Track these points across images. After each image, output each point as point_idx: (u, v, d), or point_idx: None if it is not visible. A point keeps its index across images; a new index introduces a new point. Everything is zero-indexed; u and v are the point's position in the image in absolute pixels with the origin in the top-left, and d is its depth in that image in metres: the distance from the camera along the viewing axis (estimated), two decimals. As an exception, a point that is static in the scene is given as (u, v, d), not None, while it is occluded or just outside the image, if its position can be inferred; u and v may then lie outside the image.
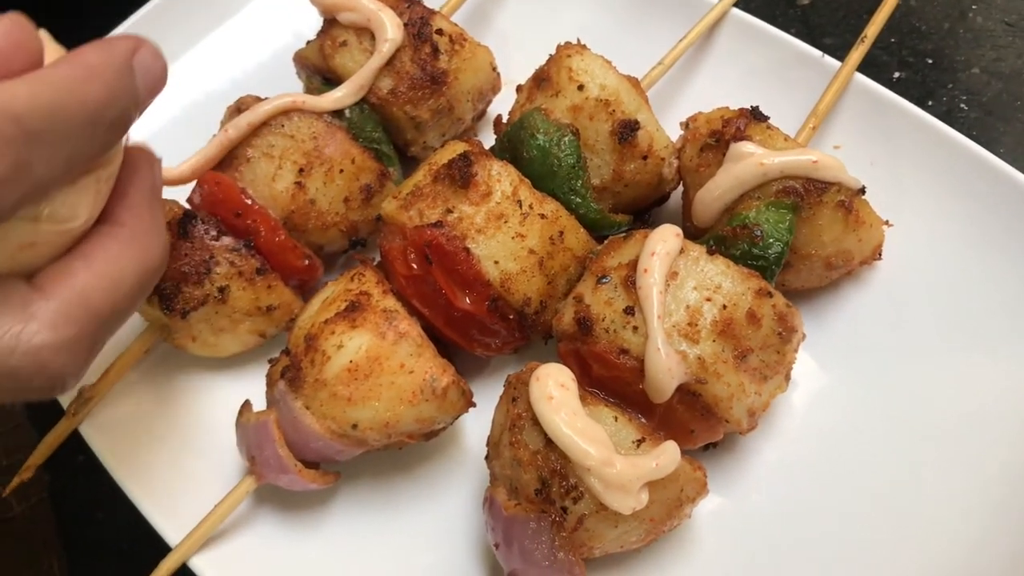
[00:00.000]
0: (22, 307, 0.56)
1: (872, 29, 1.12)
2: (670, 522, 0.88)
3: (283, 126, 1.05)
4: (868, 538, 0.92)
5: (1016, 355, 0.98)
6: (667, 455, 0.85)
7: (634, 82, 1.06)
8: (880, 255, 1.04)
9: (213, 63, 1.32)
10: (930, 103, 1.12)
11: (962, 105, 1.24)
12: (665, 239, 0.92)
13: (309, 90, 1.16)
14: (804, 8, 1.36)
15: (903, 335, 1.02)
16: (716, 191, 0.98)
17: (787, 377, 0.95)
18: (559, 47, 1.07)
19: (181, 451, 1.03)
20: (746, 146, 0.98)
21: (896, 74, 1.28)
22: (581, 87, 1.02)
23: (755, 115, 1.01)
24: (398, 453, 1.01)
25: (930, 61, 1.29)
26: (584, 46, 1.06)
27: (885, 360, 1.01)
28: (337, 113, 1.08)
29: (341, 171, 1.05)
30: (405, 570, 0.95)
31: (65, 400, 1.01)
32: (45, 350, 0.57)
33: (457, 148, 1.01)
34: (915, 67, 1.28)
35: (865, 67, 1.13)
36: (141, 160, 0.70)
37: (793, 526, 0.94)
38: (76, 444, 1.01)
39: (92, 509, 1.11)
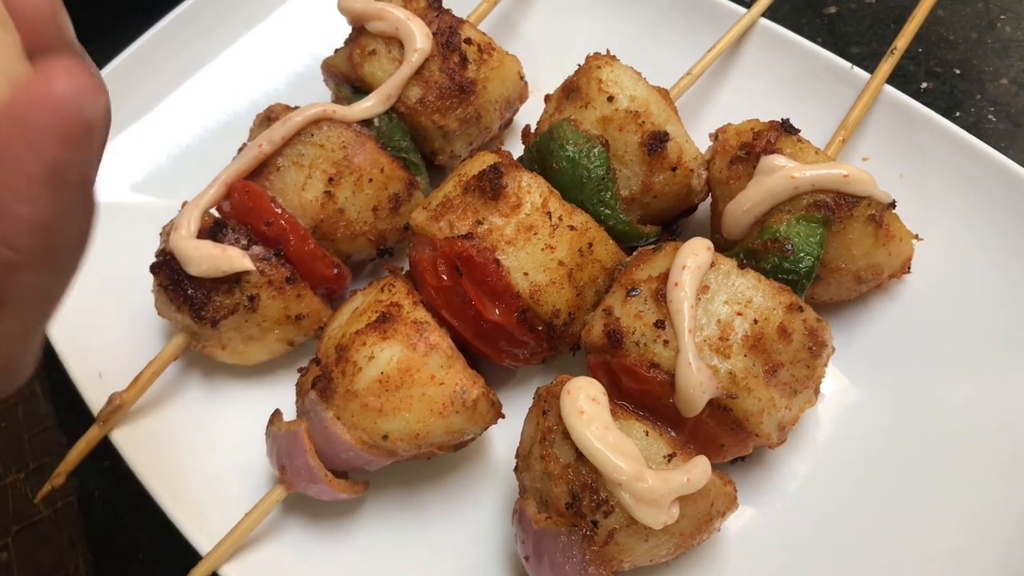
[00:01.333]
0: None
1: (902, 41, 1.12)
2: (699, 536, 0.88)
3: (313, 135, 1.05)
4: (896, 552, 0.92)
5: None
6: (698, 470, 0.85)
7: (664, 93, 1.06)
8: (909, 268, 1.04)
9: (241, 70, 1.33)
10: (958, 114, 1.12)
11: (990, 116, 1.23)
12: (696, 252, 0.92)
13: (338, 98, 1.17)
14: (831, 17, 1.36)
15: (932, 348, 1.01)
16: (747, 204, 0.98)
17: (816, 391, 0.95)
18: (588, 58, 1.07)
19: (210, 459, 1.03)
20: (777, 159, 0.98)
21: (923, 84, 1.27)
22: (611, 98, 1.03)
23: (785, 128, 1.01)
24: (427, 463, 1.02)
25: (958, 71, 1.28)
26: (614, 57, 1.06)
27: (914, 373, 1.01)
28: (366, 122, 1.09)
29: (370, 180, 1.06)
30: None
31: (95, 407, 1.02)
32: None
33: (487, 160, 1.01)
34: (943, 77, 1.28)
35: (892, 77, 1.12)
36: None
37: (821, 540, 0.94)
38: (103, 449, 1.02)
39: (119, 513, 1.12)
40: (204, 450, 1.04)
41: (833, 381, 1.02)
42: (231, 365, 1.07)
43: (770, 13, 1.21)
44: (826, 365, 0.94)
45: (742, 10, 1.20)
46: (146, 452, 1.01)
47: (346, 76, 1.15)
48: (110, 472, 1.10)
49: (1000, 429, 0.95)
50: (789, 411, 0.91)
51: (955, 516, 0.93)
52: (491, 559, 0.96)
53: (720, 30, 1.18)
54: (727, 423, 0.90)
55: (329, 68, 1.18)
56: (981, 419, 0.97)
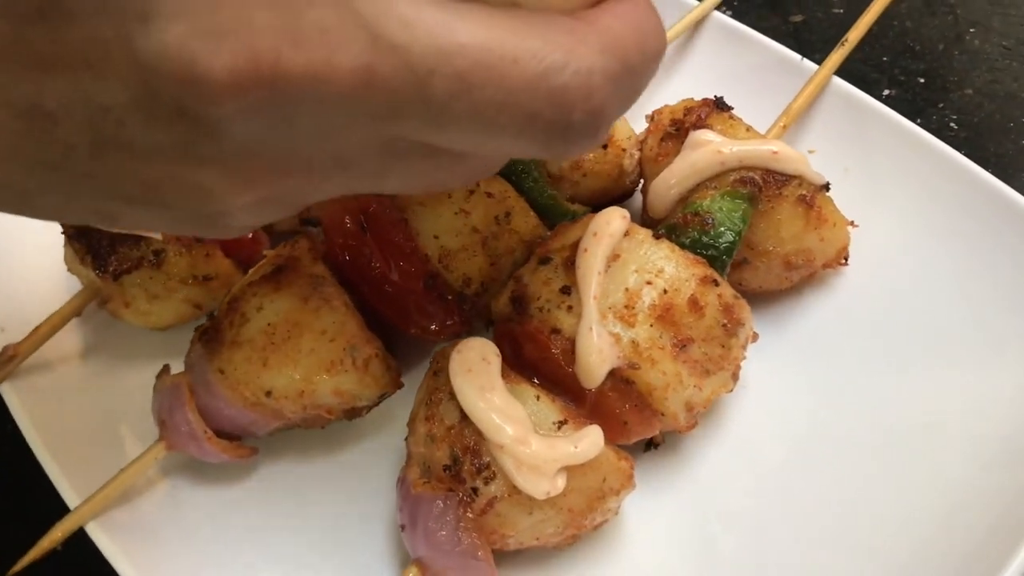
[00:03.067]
0: (569, 31, 0.49)
1: (854, 34, 1.08)
2: (591, 515, 0.81)
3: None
4: (807, 548, 0.85)
5: (979, 367, 0.91)
6: (588, 439, 0.79)
7: (599, 69, 1.03)
8: (846, 260, 0.99)
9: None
10: (919, 121, 1.07)
11: (952, 124, 1.19)
12: (610, 221, 0.88)
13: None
14: (797, 25, 1.33)
15: (866, 344, 0.96)
16: (671, 179, 0.94)
17: (735, 376, 0.89)
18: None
19: (104, 420, 0.98)
20: (705, 134, 0.94)
21: (886, 91, 1.23)
22: (542, 70, 0.99)
23: (719, 105, 0.97)
24: (323, 436, 0.96)
25: (922, 80, 1.24)
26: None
27: (845, 368, 0.95)
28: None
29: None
30: (315, 553, 0.89)
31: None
32: (596, 75, 0.49)
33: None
34: (906, 85, 1.24)
35: (854, 83, 1.09)
36: None
37: (731, 532, 0.88)
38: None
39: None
40: (99, 412, 0.99)
41: (759, 372, 0.96)
42: (140, 331, 1.03)
43: (736, 17, 1.18)
44: (744, 347, 0.88)
45: (695, 3, 1.18)
46: (34, 406, 0.96)
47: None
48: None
49: (927, 427, 0.89)
50: (699, 391, 0.85)
51: (872, 514, 0.86)
52: (378, 533, 0.90)
53: (673, 23, 1.16)
54: (630, 397, 0.84)
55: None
56: (908, 416, 0.90)
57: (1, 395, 0.97)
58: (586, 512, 0.81)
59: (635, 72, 0.52)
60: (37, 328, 0.98)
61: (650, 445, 0.93)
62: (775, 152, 0.91)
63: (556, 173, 1.00)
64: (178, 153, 0.47)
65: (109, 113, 0.45)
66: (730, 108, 0.97)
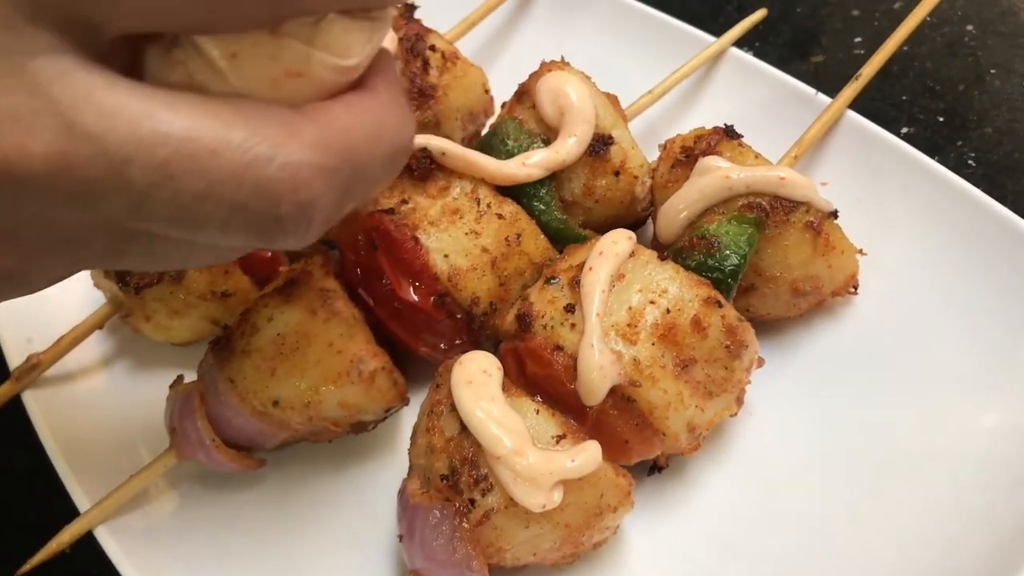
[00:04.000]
0: (284, 123, 0.49)
1: (868, 68, 1.09)
2: (589, 532, 0.81)
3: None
4: (815, 571, 0.84)
5: (988, 397, 0.90)
6: (586, 454, 0.79)
7: (612, 99, 1.05)
8: (856, 289, 0.99)
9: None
10: (937, 158, 1.08)
11: (970, 162, 1.19)
12: (615, 241, 0.89)
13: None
14: (817, 65, 1.34)
15: (875, 373, 0.95)
16: (680, 204, 0.95)
17: (739, 400, 0.89)
18: (543, 63, 1.06)
19: (119, 429, 1.01)
20: (714, 160, 0.95)
21: (904, 129, 1.24)
22: (556, 98, 1.02)
23: (728, 133, 0.98)
24: (332, 453, 0.97)
25: (941, 119, 1.25)
26: (567, 63, 1.05)
27: (853, 397, 0.94)
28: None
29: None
30: (318, 562, 0.90)
31: (14, 364, 1.01)
32: (305, 168, 0.49)
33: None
34: (925, 123, 1.24)
35: (873, 121, 1.09)
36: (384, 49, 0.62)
37: (735, 557, 0.87)
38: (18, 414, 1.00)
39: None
40: (114, 420, 1.01)
41: (767, 398, 0.96)
42: (161, 347, 1.06)
43: (759, 56, 1.20)
44: (748, 370, 0.88)
45: (712, 39, 1.20)
46: (52, 413, 0.98)
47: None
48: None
49: (934, 455, 0.88)
50: (701, 412, 0.85)
51: (876, 541, 0.84)
52: (382, 545, 0.91)
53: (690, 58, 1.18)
54: (631, 416, 0.84)
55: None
56: (915, 445, 0.89)
57: (21, 401, 1.00)
58: (583, 528, 0.81)
59: (361, 166, 0.53)
60: (60, 339, 1.01)
61: (654, 468, 0.92)
62: (783, 178, 0.92)
63: (569, 200, 1.02)
64: None
65: None
66: (739, 136, 0.98)
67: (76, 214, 0.48)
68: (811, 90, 1.12)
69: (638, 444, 0.86)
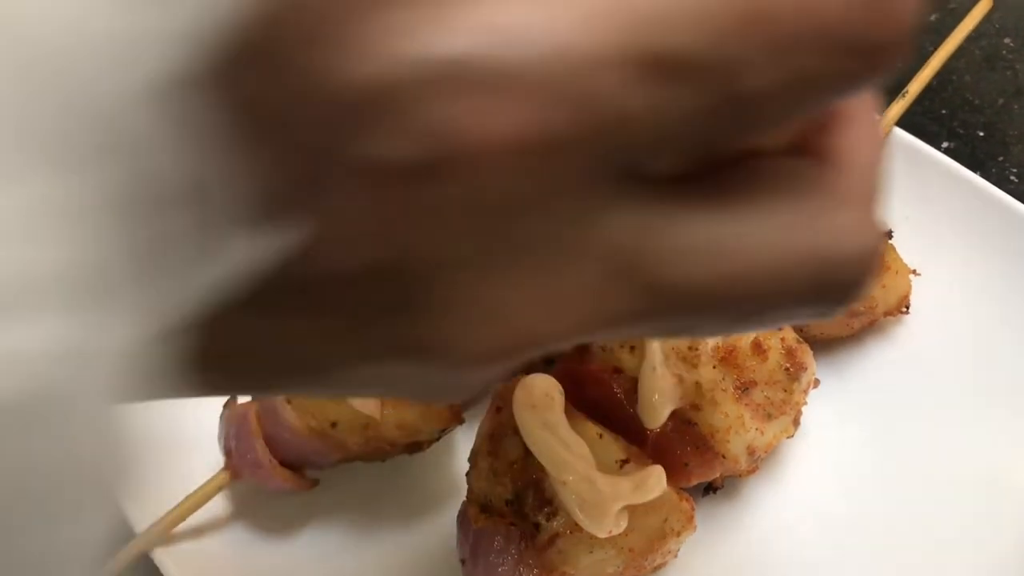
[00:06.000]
0: (823, 199, 0.40)
1: (915, 85, 1.09)
2: (652, 556, 0.82)
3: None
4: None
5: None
6: (652, 479, 0.79)
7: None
8: (908, 308, 0.99)
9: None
10: (979, 173, 1.08)
11: (1012, 178, 1.19)
12: (674, 263, 0.89)
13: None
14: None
15: (929, 393, 0.95)
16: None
17: (796, 422, 0.89)
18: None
19: (171, 449, 1.00)
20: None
21: (945, 144, 1.24)
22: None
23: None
24: (386, 471, 0.97)
25: (981, 134, 1.25)
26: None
27: (908, 418, 0.94)
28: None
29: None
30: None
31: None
32: (868, 253, 0.40)
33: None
34: (965, 138, 1.24)
35: (914, 135, 1.09)
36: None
37: (791, 582, 0.87)
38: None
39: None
40: (166, 439, 1.01)
41: (820, 418, 0.95)
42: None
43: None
44: (806, 392, 0.88)
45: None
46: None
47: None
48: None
49: (991, 481, 0.88)
50: (761, 435, 0.85)
51: (933, 571, 0.85)
52: (439, 568, 0.91)
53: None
54: (691, 439, 0.84)
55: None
56: (970, 470, 0.89)
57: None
58: (646, 552, 0.81)
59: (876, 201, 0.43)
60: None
61: (709, 489, 0.92)
62: (838, 199, 0.92)
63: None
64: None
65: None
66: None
67: None
68: (857, 107, 1.12)
69: (698, 467, 0.86)
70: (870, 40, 0.31)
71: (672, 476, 0.84)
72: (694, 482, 0.88)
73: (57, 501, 0.24)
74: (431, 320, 0.36)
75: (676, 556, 0.85)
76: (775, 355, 0.85)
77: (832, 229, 0.40)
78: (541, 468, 0.79)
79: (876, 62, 0.32)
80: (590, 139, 0.29)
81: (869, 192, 0.42)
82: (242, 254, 0.28)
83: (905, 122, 1.11)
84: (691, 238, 0.37)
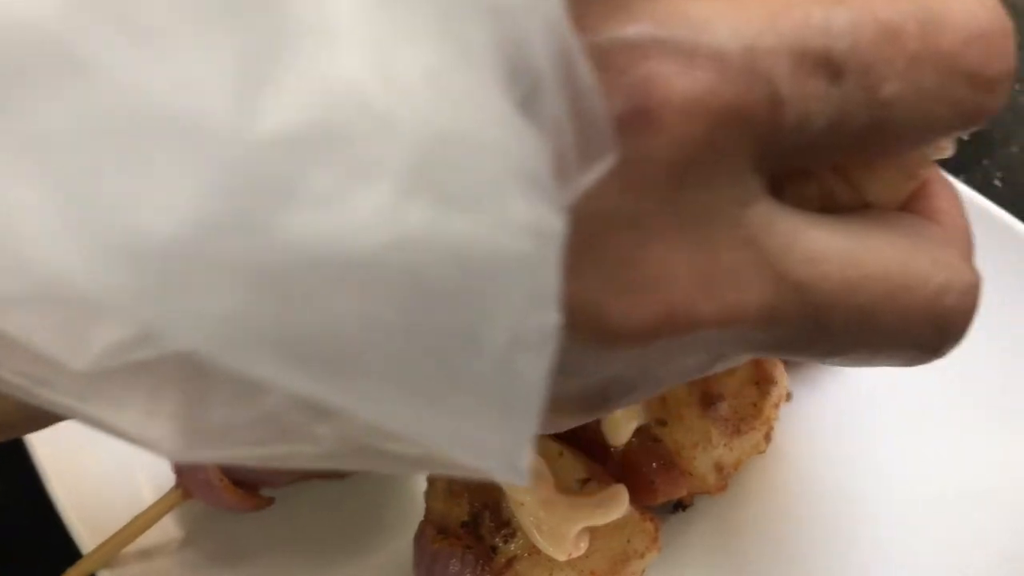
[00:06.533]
0: (939, 240, 0.45)
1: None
2: (615, 580, 0.78)
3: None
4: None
5: (1012, 432, 0.87)
6: (613, 499, 0.76)
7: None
8: (885, 318, 0.96)
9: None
10: (962, 177, 1.05)
11: (996, 182, 1.16)
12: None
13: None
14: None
15: (907, 408, 0.92)
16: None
17: (767, 438, 0.86)
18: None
19: (123, 469, 0.97)
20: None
21: (927, 148, 1.21)
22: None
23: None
24: (346, 491, 0.94)
25: (965, 137, 1.21)
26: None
27: (885, 434, 0.91)
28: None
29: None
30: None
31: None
32: (974, 290, 0.46)
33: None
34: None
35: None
36: None
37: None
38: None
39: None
40: (117, 460, 0.98)
41: (794, 435, 0.92)
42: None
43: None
44: (777, 407, 0.85)
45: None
46: (58, 452, 0.95)
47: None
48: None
49: (973, 497, 0.85)
50: (729, 451, 0.82)
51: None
52: (395, 593, 0.88)
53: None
54: (657, 456, 0.81)
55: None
56: (951, 485, 0.86)
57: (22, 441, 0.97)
58: (609, 574, 0.78)
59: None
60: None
61: (679, 506, 0.89)
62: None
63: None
64: None
65: None
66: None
67: (716, 354, 0.43)
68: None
69: (664, 485, 0.83)
70: (984, 74, 0.37)
71: (638, 495, 0.81)
72: (661, 500, 0.84)
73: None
74: (586, 278, 0.35)
75: (642, 578, 0.82)
76: (744, 368, 0.82)
77: (947, 259, 0.44)
78: (498, 488, 0.76)
79: (987, 96, 0.38)
80: (757, 115, 0.34)
81: (969, 244, 0.48)
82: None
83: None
84: (828, 245, 0.40)
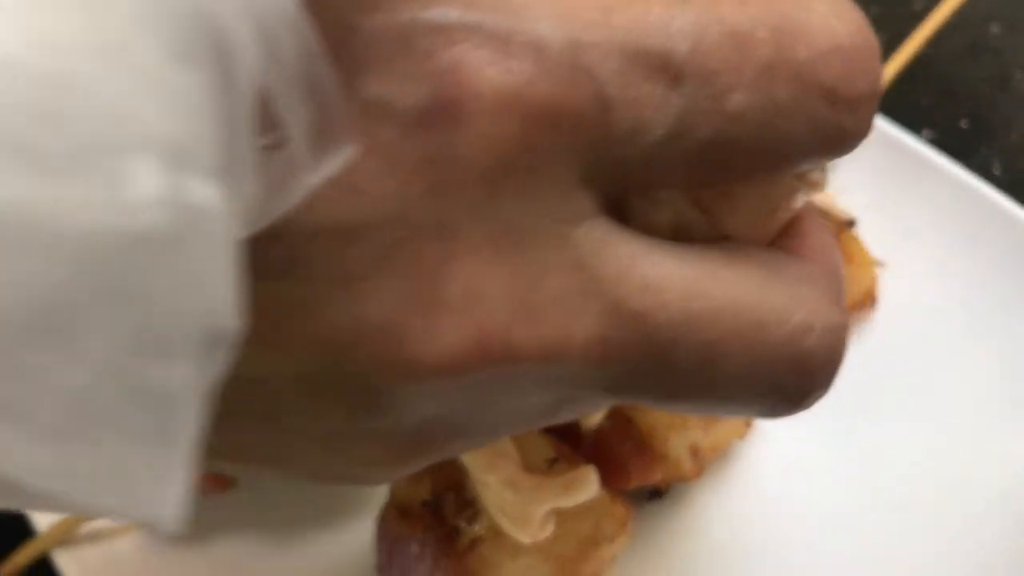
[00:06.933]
0: (799, 277, 0.41)
1: (887, 71, 1.03)
2: (584, 564, 0.75)
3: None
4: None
5: (1012, 423, 0.84)
6: (581, 480, 0.73)
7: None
8: (873, 303, 0.92)
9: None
10: (961, 163, 1.02)
11: (995, 170, 1.13)
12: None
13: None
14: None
15: (893, 394, 0.89)
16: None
17: (748, 422, 0.83)
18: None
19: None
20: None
21: (926, 134, 1.17)
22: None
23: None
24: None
25: (964, 125, 1.18)
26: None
27: (871, 420, 0.88)
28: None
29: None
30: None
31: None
32: (842, 332, 0.43)
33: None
34: (948, 129, 1.18)
35: (895, 123, 1.03)
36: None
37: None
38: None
39: None
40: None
41: (779, 422, 0.89)
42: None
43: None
44: (758, 390, 0.82)
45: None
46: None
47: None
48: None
49: (958, 483, 0.82)
50: (704, 434, 0.79)
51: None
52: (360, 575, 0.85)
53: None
54: (630, 438, 0.78)
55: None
56: (937, 472, 0.83)
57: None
58: (577, 560, 0.75)
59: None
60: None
61: (655, 494, 0.86)
62: (797, 184, 0.86)
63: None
64: (338, 427, 0.36)
65: (260, 386, 0.34)
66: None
67: (578, 393, 0.39)
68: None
69: (637, 469, 0.80)
70: (844, 92, 0.34)
71: (611, 478, 0.78)
72: (634, 484, 0.81)
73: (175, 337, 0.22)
74: (384, 295, 0.31)
75: (612, 565, 0.79)
76: (723, 349, 0.79)
77: (809, 297, 0.40)
78: (462, 468, 0.73)
79: (848, 116, 0.35)
80: (581, 118, 0.30)
81: (839, 285, 0.42)
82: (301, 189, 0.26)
83: (886, 113, 1.05)
84: (671, 272, 0.36)
